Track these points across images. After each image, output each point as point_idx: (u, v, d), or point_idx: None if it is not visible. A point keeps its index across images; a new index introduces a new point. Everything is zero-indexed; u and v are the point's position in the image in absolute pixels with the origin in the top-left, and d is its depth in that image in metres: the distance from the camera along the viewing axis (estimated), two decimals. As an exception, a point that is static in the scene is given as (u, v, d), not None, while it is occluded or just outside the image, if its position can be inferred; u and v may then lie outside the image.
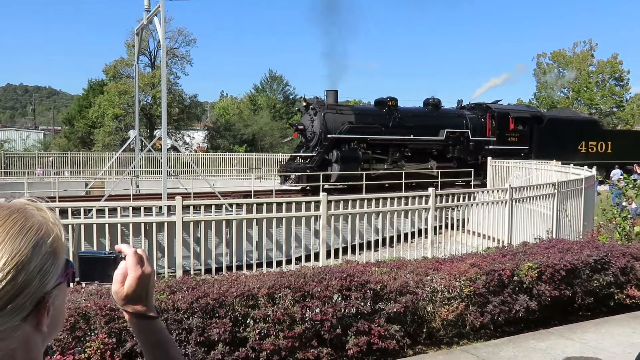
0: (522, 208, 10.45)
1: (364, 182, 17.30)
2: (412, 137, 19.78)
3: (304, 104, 19.33)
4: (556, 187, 10.75)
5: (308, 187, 17.30)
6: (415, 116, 20.60)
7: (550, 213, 10.67)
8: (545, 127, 23.57)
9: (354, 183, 17.68)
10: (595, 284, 6.40)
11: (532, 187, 10.98)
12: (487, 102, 23.34)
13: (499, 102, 24.12)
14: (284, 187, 18.14)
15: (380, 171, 18.75)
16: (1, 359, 0.80)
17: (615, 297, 6.62)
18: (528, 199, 10.58)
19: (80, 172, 27.82)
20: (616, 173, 25.50)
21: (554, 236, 9.56)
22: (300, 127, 18.92)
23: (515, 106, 25.04)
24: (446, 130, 20.66)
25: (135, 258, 1.08)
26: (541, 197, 10.73)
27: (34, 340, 0.85)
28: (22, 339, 0.82)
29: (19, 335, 0.81)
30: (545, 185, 11.06)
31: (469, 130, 21.34)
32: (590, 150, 25.48)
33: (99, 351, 3.99)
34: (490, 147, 21.85)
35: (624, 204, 10.48)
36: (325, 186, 17.31)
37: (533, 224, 10.54)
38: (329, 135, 17.99)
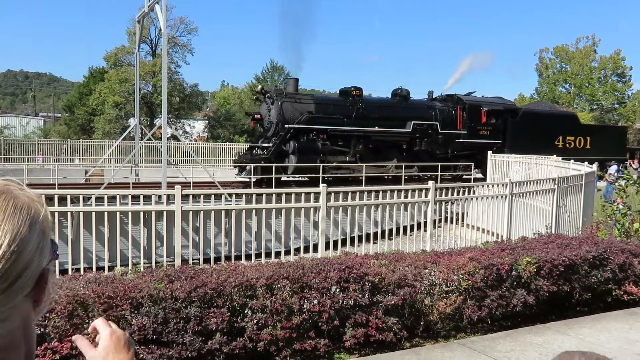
0: (521, 203, 10.44)
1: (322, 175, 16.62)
2: (376, 128, 18.97)
3: (261, 91, 18.48)
4: (556, 182, 10.74)
5: (265, 180, 16.51)
6: (380, 107, 19.82)
7: (549, 208, 10.67)
8: (519, 121, 22.84)
9: (313, 175, 16.97)
10: (593, 280, 6.41)
11: (532, 182, 10.97)
12: (459, 94, 22.41)
13: (472, 94, 23.24)
14: (239, 178, 17.27)
15: (336, 164, 17.96)
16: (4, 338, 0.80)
17: (613, 294, 6.63)
18: (528, 194, 10.57)
19: (80, 159, 27.85)
20: (613, 168, 25.29)
21: (553, 231, 9.56)
22: (257, 116, 18.12)
23: (489, 99, 23.94)
24: (413, 122, 19.84)
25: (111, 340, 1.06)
26: (541, 192, 10.73)
27: (31, 318, 0.86)
28: (23, 317, 0.83)
29: (22, 312, 0.82)
30: (545, 181, 11.05)
31: (437, 123, 20.50)
32: (567, 145, 24.74)
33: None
34: (460, 140, 21.13)
35: (618, 204, 10.42)
36: (282, 179, 16.67)
37: (532, 219, 10.55)
38: (286, 125, 17.26)
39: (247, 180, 16.51)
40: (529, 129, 22.67)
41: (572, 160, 15.45)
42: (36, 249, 0.82)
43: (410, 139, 20.05)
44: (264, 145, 17.43)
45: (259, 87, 18.68)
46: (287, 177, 17.04)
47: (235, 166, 18.27)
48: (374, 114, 19.09)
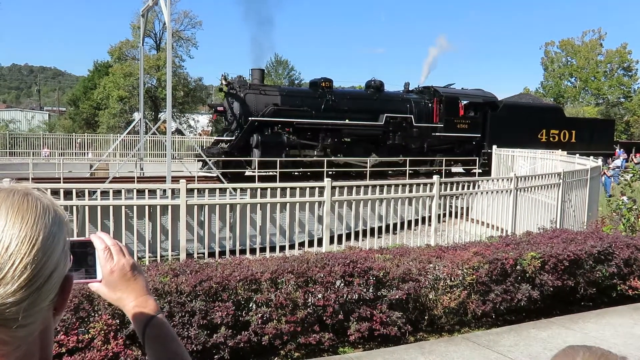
0: (526, 197, 10.42)
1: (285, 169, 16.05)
2: (347, 121, 18.22)
3: (224, 83, 17.53)
4: (561, 177, 10.71)
5: (229, 175, 15.74)
6: (351, 99, 19.04)
7: (554, 203, 10.64)
8: (500, 114, 22.07)
9: (280, 170, 16.35)
10: (598, 275, 6.40)
11: (537, 177, 10.94)
12: (436, 86, 21.61)
13: (450, 86, 22.48)
14: (201, 173, 16.64)
15: (307, 158, 17.35)
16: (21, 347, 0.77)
17: (618, 288, 6.62)
18: (533, 188, 10.55)
19: (92, 153, 27.99)
20: (617, 162, 24.94)
21: (558, 226, 9.54)
22: (220, 108, 17.35)
23: (468, 91, 23.07)
24: (386, 115, 19.01)
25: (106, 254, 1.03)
26: (546, 186, 10.70)
27: (51, 326, 0.83)
28: (44, 324, 0.80)
29: (44, 319, 0.79)
30: (550, 175, 11.01)
31: (412, 116, 19.72)
32: (551, 139, 23.84)
33: (102, 332, 4.02)
34: (436, 134, 20.40)
35: (624, 198, 10.36)
36: (247, 173, 16.19)
37: (537, 214, 10.52)
38: (250, 118, 16.56)
39: (210, 174, 15.91)
40: (511, 122, 21.92)
41: (577, 155, 15.39)
42: (62, 251, 0.80)
43: (383, 133, 19.26)
44: (226, 138, 16.84)
45: (222, 77, 17.80)
46: (252, 172, 16.28)
47: (197, 160, 17.59)
48: (344, 106, 18.35)
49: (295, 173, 16.96)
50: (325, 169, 16.80)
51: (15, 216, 0.75)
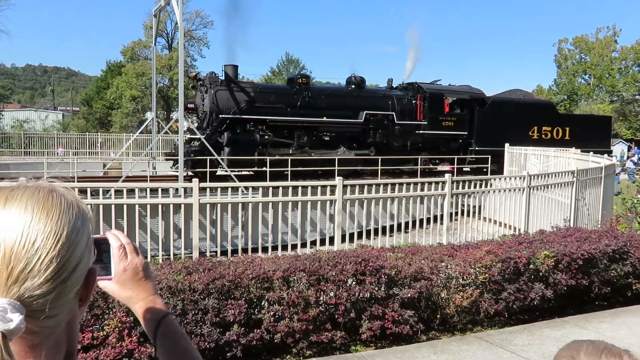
0: (539, 196, 10.34)
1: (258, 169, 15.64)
2: (324, 119, 17.57)
3: (195, 79, 17.13)
4: (575, 175, 10.61)
5: (200, 174, 15.15)
6: (329, 96, 18.17)
7: (568, 201, 10.55)
8: (488, 111, 21.20)
9: (253, 170, 15.94)
10: (612, 274, 6.34)
11: (550, 175, 10.85)
12: (421, 82, 20.75)
13: (437, 82, 21.66)
14: (171, 172, 16.18)
15: (278, 157, 16.70)
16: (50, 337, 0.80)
17: (633, 288, 6.55)
18: (546, 187, 10.46)
19: (98, 152, 28.26)
20: (631, 162, 24.46)
21: (572, 225, 9.46)
22: (191, 105, 16.97)
23: (454, 87, 22.26)
24: (366, 112, 18.21)
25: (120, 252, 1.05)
26: (559, 185, 10.61)
27: (77, 316, 0.87)
28: (71, 314, 0.84)
29: (70, 310, 0.82)
30: (564, 174, 10.92)
31: (394, 113, 18.97)
32: (544, 136, 22.91)
33: (117, 329, 4.07)
34: (420, 132, 19.64)
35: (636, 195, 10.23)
36: (218, 172, 15.77)
37: (550, 212, 10.44)
38: (220, 115, 15.99)
39: (179, 173, 15.17)
40: (500, 119, 21.10)
41: (591, 153, 15.25)
42: (86, 245, 0.84)
43: (362, 130, 18.57)
44: (198, 136, 16.30)
45: (194, 73, 17.16)
46: (224, 172, 15.60)
47: (167, 159, 17.02)
48: (321, 103, 17.73)
49: (271, 173, 16.17)
50: (296, 169, 16.30)
51: (41, 212, 0.79)
